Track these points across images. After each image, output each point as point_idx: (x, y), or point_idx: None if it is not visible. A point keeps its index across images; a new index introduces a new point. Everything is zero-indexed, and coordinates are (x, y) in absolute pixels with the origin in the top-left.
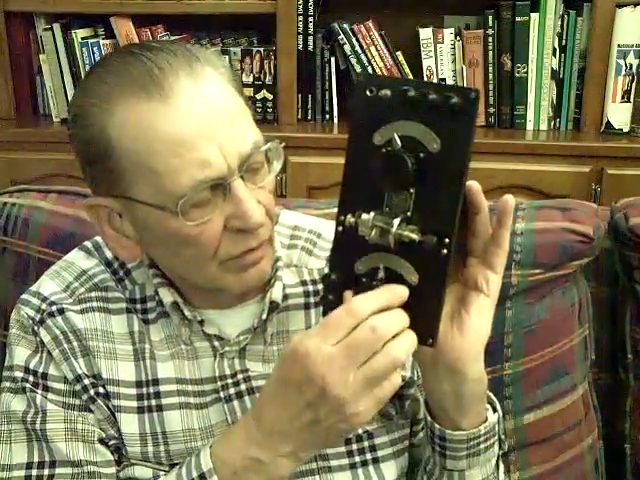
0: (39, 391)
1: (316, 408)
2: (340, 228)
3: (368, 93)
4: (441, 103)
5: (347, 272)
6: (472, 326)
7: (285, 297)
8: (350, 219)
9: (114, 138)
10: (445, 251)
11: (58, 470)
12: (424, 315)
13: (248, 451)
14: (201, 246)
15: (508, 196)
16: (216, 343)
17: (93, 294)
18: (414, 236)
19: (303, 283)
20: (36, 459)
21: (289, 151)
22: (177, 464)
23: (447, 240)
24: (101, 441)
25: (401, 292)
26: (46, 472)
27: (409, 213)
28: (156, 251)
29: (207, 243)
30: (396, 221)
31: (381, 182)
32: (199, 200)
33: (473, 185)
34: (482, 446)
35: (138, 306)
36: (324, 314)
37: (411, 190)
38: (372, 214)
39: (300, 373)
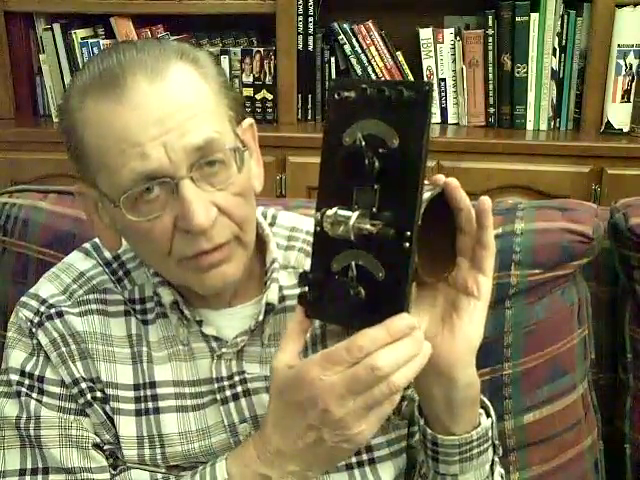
0: (34, 395)
1: (319, 430)
2: (318, 228)
3: (336, 96)
4: (396, 99)
5: (324, 270)
6: (463, 331)
7: (282, 298)
8: (317, 217)
9: (81, 132)
10: (407, 244)
11: (52, 477)
12: (391, 310)
13: (259, 469)
14: (154, 243)
15: (484, 197)
16: (214, 344)
17: (92, 296)
18: (370, 227)
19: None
20: (29, 465)
21: (288, 151)
22: (173, 466)
23: (408, 233)
24: (96, 446)
25: (403, 326)
26: (39, 479)
27: (374, 209)
28: (128, 243)
29: (159, 240)
30: (354, 214)
31: (348, 180)
32: (146, 195)
33: (451, 181)
34: (475, 451)
35: (137, 306)
36: (306, 314)
37: (375, 186)
38: (334, 209)
39: (303, 398)
